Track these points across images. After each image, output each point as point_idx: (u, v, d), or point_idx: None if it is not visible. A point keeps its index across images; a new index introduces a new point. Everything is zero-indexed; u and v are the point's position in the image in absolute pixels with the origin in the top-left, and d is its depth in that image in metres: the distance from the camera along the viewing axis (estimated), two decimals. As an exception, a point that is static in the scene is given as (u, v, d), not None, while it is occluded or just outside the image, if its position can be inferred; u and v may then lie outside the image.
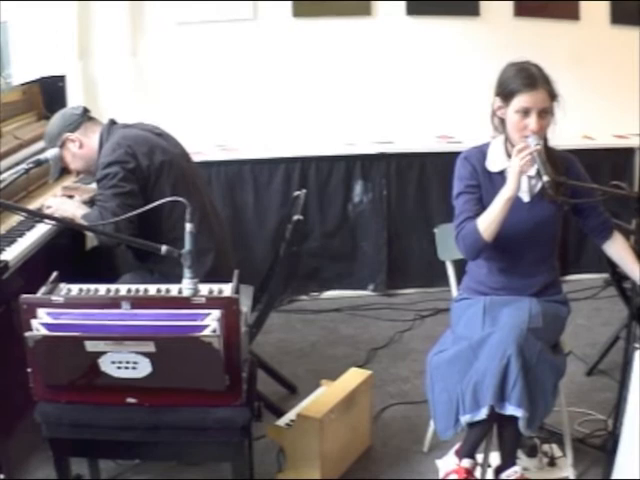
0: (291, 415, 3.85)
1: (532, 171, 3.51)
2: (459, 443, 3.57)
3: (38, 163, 3.79)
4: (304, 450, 3.70)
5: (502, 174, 3.53)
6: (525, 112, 3.44)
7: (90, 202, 4.10)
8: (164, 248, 2.89)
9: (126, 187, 3.75)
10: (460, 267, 3.94)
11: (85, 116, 4.06)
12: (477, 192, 3.61)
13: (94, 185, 4.52)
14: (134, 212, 3.24)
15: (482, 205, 3.54)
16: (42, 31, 5.62)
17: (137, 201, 3.71)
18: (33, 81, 5.12)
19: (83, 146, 3.99)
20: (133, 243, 3.54)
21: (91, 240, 4.67)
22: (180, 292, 2.91)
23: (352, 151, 6.14)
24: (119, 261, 4.65)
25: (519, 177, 3.43)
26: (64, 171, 4.14)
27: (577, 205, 3.57)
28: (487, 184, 3.59)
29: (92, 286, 3.00)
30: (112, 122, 4.05)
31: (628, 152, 6.32)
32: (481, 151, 3.68)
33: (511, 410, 3.26)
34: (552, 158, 3.45)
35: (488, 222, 3.47)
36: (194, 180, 4.06)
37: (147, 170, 3.82)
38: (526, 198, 3.60)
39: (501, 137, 3.60)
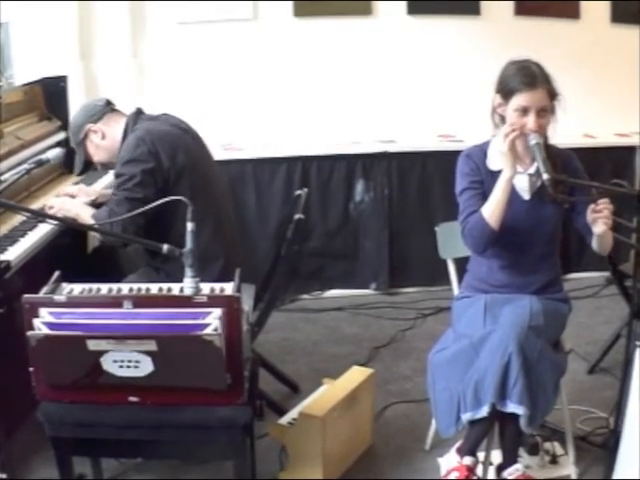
0: (293, 414, 3.86)
1: (532, 169, 3.53)
2: (461, 441, 3.58)
3: (40, 163, 3.79)
4: (306, 448, 3.70)
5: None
6: (524, 111, 3.46)
7: (92, 204, 4.09)
8: (165, 247, 2.90)
9: (140, 193, 3.71)
10: (461, 265, 3.94)
11: (108, 107, 4.04)
12: (480, 188, 3.62)
13: (97, 187, 4.54)
14: (138, 210, 3.23)
15: (485, 201, 3.55)
16: (43, 32, 5.63)
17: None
18: (35, 82, 5.12)
19: (106, 137, 3.97)
20: (135, 242, 3.54)
21: (93, 241, 4.67)
22: (182, 291, 2.92)
23: (354, 150, 6.14)
24: (123, 261, 4.66)
25: (511, 157, 3.46)
26: (88, 165, 4.12)
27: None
28: (489, 182, 3.60)
29: (94, 285, 3.01)
30: (139, 112, 4.02)
31: (629, 150, 6.33)
32: (482, 150, 3.69)
33: (512, 408, 3.27)
34: (551, 156, 3.46)
35: (492, 208, 3.49)
36: (214, 184, 4.03)
37: (168, 171, 3.78)
38: (526, 196, 3.61)
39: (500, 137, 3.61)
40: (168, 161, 3.79)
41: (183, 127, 4.04)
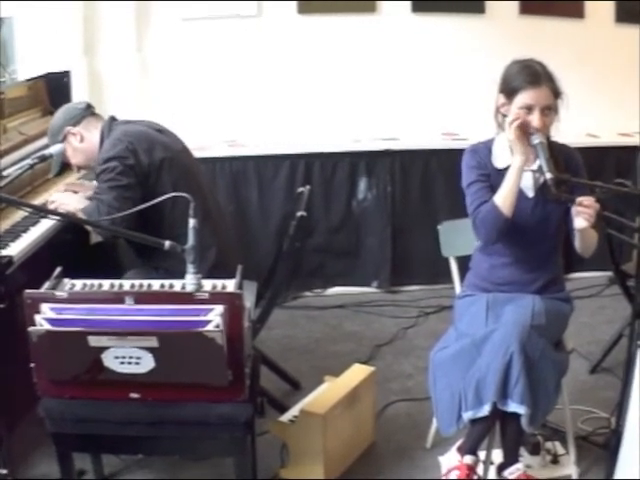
0: (294, 411, 3.86)
1: (535, 165, 3.52)
2: (461, 440, 3.58)
3: (43, 158, 3.80)
4: (307, 446, 3.70)
5: (508, 169, 3.53)
6: (528, 109, 3.45)
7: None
8: (167, 243, 2.90)
9: (123, 180, 3.76)
10: (464, 264, 3.94)
11: (88, 111, 4.09)
12: (488, 181, 3.61)
13: (97, 182, 4.55)
14: (135, 209, 3.25)
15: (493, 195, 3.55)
16: (47, 27, 5.62)
17: (135, 194, 3.75)
18: (38, 77, 5.12)
19: (84, 140, 4.01)
20: (136, 238, 3.54)
21: (95, 235, 4.68)
22: (183, 287, 2.92)
23: (356, 148, 6.14)
24: (123, 257, 4.65)
25: (520, 144, 3.45)
26: (65, 167, 4.15)
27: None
28: (496, 179, 3.59)
29: (96, 281, 3.01)
30: (112, 118, 4.07)
31: (632, 150, 6.30)
32: (487, 147, 3.69)
33: (513, 407, 3.26)
34: (554, 154, 3.45)
35: (504, 195, 3.49)
36: (196, 177, 4.07)
37: (147, 167, 3.83)
38: (530, 194, 3.60)
39: (505, 134, 3.60)
40: (146, 158, 3.85)
41: (158, 128, 4.10)
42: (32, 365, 2.89)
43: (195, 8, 6.08)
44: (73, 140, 4.02)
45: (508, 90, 3.53)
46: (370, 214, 6.15)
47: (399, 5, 6.31)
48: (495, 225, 3.52)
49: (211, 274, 3.11)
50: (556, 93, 3.49)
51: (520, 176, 3.49)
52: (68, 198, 4.04)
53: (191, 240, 2.88)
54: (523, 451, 3.72)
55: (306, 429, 3.70)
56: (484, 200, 3.56)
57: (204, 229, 3.72)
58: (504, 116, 3.59)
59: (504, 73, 3.59)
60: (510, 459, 3.48)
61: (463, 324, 3.67)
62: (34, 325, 2.79)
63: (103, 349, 2.81)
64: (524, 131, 3.46)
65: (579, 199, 3.33)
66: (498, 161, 3.63)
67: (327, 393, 3.91)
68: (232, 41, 6.18)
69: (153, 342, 2.78)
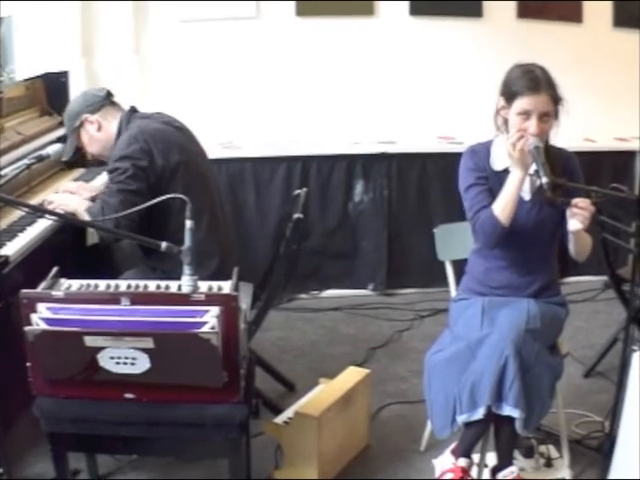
0: (289, 413, 3.86)
1: (532, 169, 3.52)
2: (456, 442, 3.58)
3: (40, 159, 3.78)
4: (302, 448, 3.70)
5: (507, 172, 3.54)
6: (526, 114, 3.45)
7: (92, 200, 4.08)
8: (164, 244, 2.89)
9: (132, 185, 3.71)
10: (459, 267, 3.95)
11: (108, 99, 4.03)
12: (487, 184, 3.62)
13: (96, 182, 4.54)
14: (135, 209, 3.23)
15: (492, 198, 3.56)
16: (46, 27, 5.63)
17: (142, 200, 3.66)
18: (36, 77, 5.12)
19: (101, 129, 3.97)
20: (133, 239, 3.54)
21: (92, 236, 4.67)
22: (179, 289, 2.92)
23: (353, 150, 6.15)
24: (120, 257, 4.65)
25: (522, 158, 3.44)
26: (79, 151, 4.11)
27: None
28: (494, 181, 3.61)
29: (92, 282, 3.01)
30: (133, 110, 4.01)
31: (629, 155, 6.33)
32: (486, 147, 3.69)
33: (508, 410, 3.27)
34: (551, 158, 3.45)
35: (503, 205, 3.49)
36: (207, 182, 4.03)
37: (161, 169, 3.77)
38: (527, 197, 3.61)
39: (504, 136, 3.60)
40: (161, 159, 3.78)
41: (176, 125, 4.03)
42: (28, 364, 2.89)
43: (193, 9, 6.09)
44: (90, 128, 3.97)
45: (508, 94, 3.53)
46: (366, 217, 6.16)
47: (397, 8, 6.32)
48: (494, 233, 3.53)
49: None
50: (556, 100, 3.49)
51: (520, 188, 3.50)
52: (67, 199, 4.02)
53: (187, 241, 2.87)
54: (517, 454, 3.72)
55: (300, 431, 3.70)
56: (483, 205, 3.56)
57: (208, 238, 3.75)
58: (504, 119, 3.59)
59: (506, 76, 3.59)
60: (504, 462, 3.48)
61: (458, 327, 3.68)
62: (30, 325, 2.80)
63: (99, 349, 2.81)
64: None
65: (575, 201, 3.34)
66: (497, 163, 3.63)
67: (322, 395, 3.91)
68: (230, 43, 6.19)
69: (149, 343, 2.79)
